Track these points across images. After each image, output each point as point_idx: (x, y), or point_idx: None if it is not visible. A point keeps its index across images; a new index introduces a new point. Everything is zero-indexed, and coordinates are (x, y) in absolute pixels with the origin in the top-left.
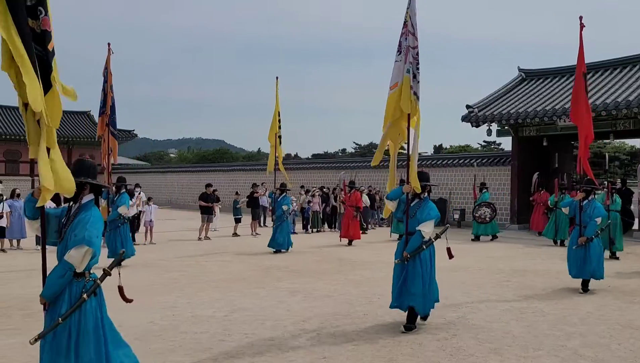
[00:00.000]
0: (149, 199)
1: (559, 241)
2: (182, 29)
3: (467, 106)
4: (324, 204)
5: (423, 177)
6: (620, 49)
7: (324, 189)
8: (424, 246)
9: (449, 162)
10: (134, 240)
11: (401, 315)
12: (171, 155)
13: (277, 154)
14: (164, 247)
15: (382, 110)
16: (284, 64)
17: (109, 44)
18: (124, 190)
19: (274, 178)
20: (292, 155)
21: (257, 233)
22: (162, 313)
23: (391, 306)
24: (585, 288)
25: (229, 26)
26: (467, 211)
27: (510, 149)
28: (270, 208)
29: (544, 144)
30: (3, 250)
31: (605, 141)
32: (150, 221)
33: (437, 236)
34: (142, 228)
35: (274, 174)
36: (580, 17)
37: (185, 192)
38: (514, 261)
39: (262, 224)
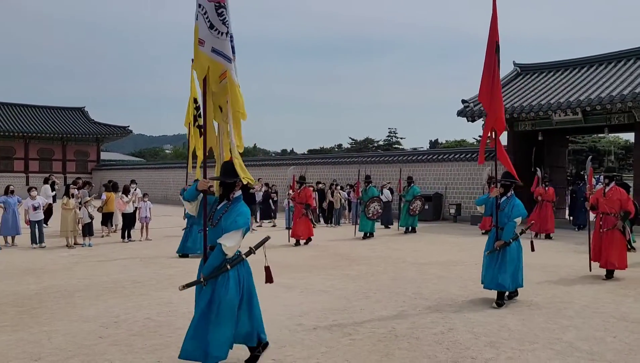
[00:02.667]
0: (144, 195)
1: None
2: (178, 24)
3: (463, 101)
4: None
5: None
6: (616, 43)
7: (320, 185)
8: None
9: (444, 157)
10: (129, 236)
11: (397, 310)
12: (167, 151)
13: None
14: (160, 243)
15: (381, 106)
16: (281, 59)
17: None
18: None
19: (186, 177)
20: (288, 151)
21: (253, 229)
22: (159, 309)
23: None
24: (500, 301)
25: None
26: (463, 205)
27: (506, 143)
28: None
29: (539, 138)
30: None
31: (600, 135)
32: (146, 217)
33: (522, 232)
34: (137, 224)
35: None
36: None
37: (181, 188)
38: None
39: (257, 220)
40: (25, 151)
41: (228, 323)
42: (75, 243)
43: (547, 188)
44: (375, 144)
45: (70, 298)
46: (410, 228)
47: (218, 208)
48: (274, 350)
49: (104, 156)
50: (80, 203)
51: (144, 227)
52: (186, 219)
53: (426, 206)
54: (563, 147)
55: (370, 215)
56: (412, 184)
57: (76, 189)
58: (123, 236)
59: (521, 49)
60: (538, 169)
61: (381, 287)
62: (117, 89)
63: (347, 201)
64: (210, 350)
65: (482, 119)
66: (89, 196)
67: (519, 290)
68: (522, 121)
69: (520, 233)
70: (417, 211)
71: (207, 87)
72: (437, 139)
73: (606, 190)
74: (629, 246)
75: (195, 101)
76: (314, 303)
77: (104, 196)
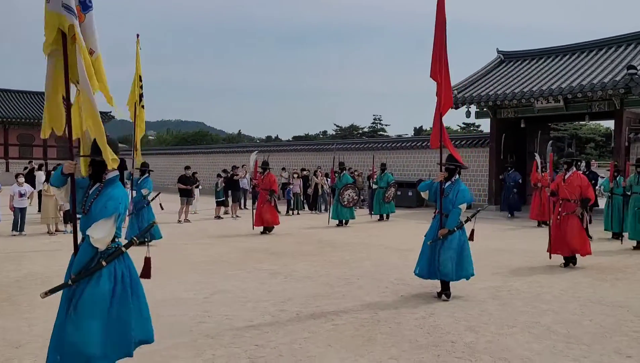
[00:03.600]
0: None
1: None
2: (163, 9)
3: None
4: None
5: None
6: (597, 32)
7: (305, 172)
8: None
9: (428, 144)
10: None
11: (380, 296)
12: (150, 137)
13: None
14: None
15: (366, 93)
16: (266, 46)
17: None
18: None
19: (132, 162)
20: (273, 137)
21: (237, 216)
22: None
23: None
24: (447, 291)
25: (210, 8)
26: None
27: (489, 130)
28: (135, 192)
29: (522, 126)
30: None
31: (581, 122)
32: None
33: (468, 219)
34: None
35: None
36: None
37: (164, 175)
38: (491, 241)
39: (242, 206)
40: (5, 136)
41: (95, 319)
42: (56, 230)
43: (543, 174)
44: (360, 131)
45: (51, 286)
46: (384, 215)
47: (90, 192)
48: (257, 336)
49: None
50: None
51: (128, 213)
52: (133, 204)
53: (410, 193)
54: (545, 134)
55: (345, 203)
56: (386, 171)
57: None
58: None
59: (504, 36)
60: (537, 155)
61: (364, 273)
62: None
63: (331, 188)
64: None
65: (465, 106)
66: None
67: (472, 279)
68: (505, 109)
69: (466, 221)
70: (391, 199)
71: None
72: (422, 126)
73: (566, 176)
74: (588, 235)
75: (141, 78)
76: (297, 289)
77: None
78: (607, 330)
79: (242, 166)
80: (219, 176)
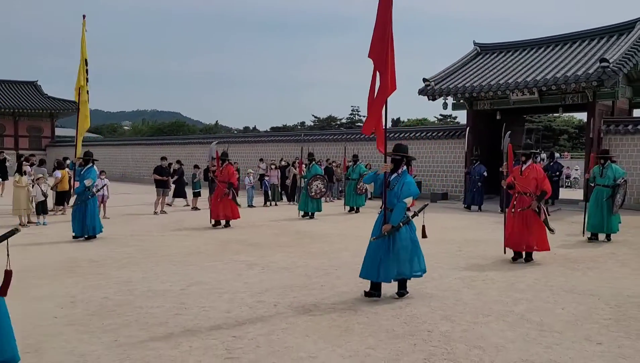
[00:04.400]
0: (101, 172)
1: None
2: None
3: (424, 80)
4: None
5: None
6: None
7: (283, 163)
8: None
9: (406, 135)
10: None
11: (358, 287)
12: (125, 127)
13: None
14: (118, 222)
15: (344, 84)
16: (244, 35)
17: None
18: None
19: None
20: (251, 128)
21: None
22: (117, 288)
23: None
24: (403, 290)
25: None
26: (424, 183)
27: (465, 122)
28: (78, 183)
29: (497, 117)
30: None
31: (555, 114)
32: (104, 195)
33: (415, 214)
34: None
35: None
36: None
37: (139, 166)
38: (467, 232)
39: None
40: None
41: None
42: (29, 222)
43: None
44: (338, 123)
45: (23, 278)
46: (355, 207)
47: None
48: (234, 328)
49: (59, 132)
50: (32, 181)
51: (102, 205)
52: (76, 195)
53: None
54: (520, 126)
55: (312, 194)
56: (358, 163)
57: (29, 166)
58: None
59: (481, 29)
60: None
61: (342, 264)
62: (71, 62)
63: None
64: None
65: (442, 98)
66: (45, 174)
67: (425, 276)
68: (481, 100)
69: (413, 216)
70: (363, 191)
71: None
72: (399, 117)
73: (523, 168)
74: (548, 228)
75: (87, 62)
76: (275, 280)
77: (58, 173)
78: (579, 318)
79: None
80: (195, 167)
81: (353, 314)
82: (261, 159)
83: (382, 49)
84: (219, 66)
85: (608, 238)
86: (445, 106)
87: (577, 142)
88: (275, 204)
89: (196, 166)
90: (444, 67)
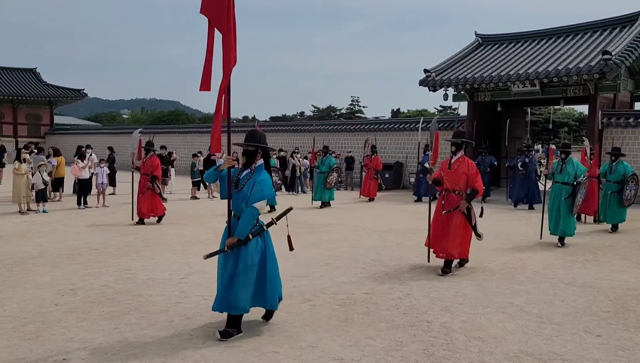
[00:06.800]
0: (100, 161)
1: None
2: None
3: (425, 70)
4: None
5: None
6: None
7: (282, 153)
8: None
9: (405, 126)
10: (85, 203)
11: (357, 277)
12: (124, 116)
13: None
14: (117, 210)
15: (343, 74)
16: (245, 25)
17: None
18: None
19: None
20: (250, 117)
21: (213, 196)
22: (117, 276)
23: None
24: (267, 316)
25: None
26: None
27: (466, 114)
28: None
29: (498, 109)
30: None
31: (556, 107)
32: (103, 183)
33: (272, 222)
34: (94, 191)
35: None
36: None
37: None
38: None
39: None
40: None
41: None
42: (28, 209)
43: (592, 162)
44: (338, 113)
45: (24, 266)
46: (325, 202)
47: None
48: None
49: (58, 120)
50: (33, 168)
51: (101, 193)
52: None
53: (387, 175)
54: (521, 118)
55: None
56: (328, 155)
57: (28, 154)
58: (79, 203)
59: (484, 19)
60: (585, 139)
61: (341, 254)
62: (72, 50)
63: (309, 169)
64: None
65: (443, 89)
66: (45, 161)
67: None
68: (482, 92)
69: (270, 224)
70: (332, 184)
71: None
72: (399, 108)
73: (452, 161)
74: (476, 234)
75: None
76: None
77: (54, 161)
78: (578, 310)
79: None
80: (194, 156)
81: (352, 304)
82: None
83: (220, 5)
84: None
85: (562, 242)
86: (445, 97)
87: (578, 135)
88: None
89: (195, 155)
90: (445, 58)
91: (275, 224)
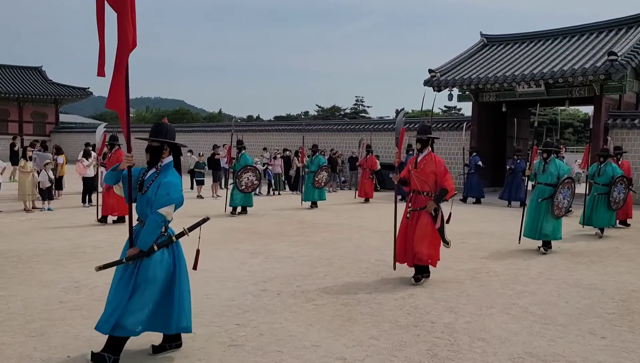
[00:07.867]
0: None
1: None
2: None
3: (430, 71)
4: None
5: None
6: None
7: (287, 152)
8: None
9: (410, 126)
10: (90, 201)
11: (361, 277)
12: None
13: None
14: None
15: (347, 74)
16: (248, 24)
17: None
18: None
19: None
20: (254, 117)
21: (217, 195)
22: None
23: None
24: (170, 340)
25: None
26: None
27: (470, 114)
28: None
29: (503, 110)
30: None
31: (561, 107)
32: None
33: (183, 232)
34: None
35: None
36: None
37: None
38: (471, 224)
39: (222, 186)
40: None
41: None
42: (33, 207)
43: (620, 162)
44: (342, 113)
45: (28, 263)
46: (315, 202)
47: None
48: (238, 316)
49: (63, 118)
50: (39, 166)
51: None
52: None
53: (390, 175)
54: (526, 119)
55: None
56: (317, 154)
57: (33, 152)
58: (84, 201)
59: (490, 20)
60: (609, 138)
61: (345, 254)
62: (76, 49)
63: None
64: None
65: (447, 89)
66: (50, 160)
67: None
68: (487, 92)
69: (180, 234)
70: (322, 184)
71: None
72: (404, 108)
73: (418, 160)
74: (444, 241)
75: None
76: (278, 269)
77: (60, 159)
78: (582, 312)
79: (223, 145)
80: (199, 155)
81: (356, 304)
82: (265, 149)
83: None
84: (223, 54)
85: (546, 247)
86: (450, 97)
87: (583, 136)
88: (278, 194)
89: (200, 155)
90: (450, 58)
91: (187, 235)
